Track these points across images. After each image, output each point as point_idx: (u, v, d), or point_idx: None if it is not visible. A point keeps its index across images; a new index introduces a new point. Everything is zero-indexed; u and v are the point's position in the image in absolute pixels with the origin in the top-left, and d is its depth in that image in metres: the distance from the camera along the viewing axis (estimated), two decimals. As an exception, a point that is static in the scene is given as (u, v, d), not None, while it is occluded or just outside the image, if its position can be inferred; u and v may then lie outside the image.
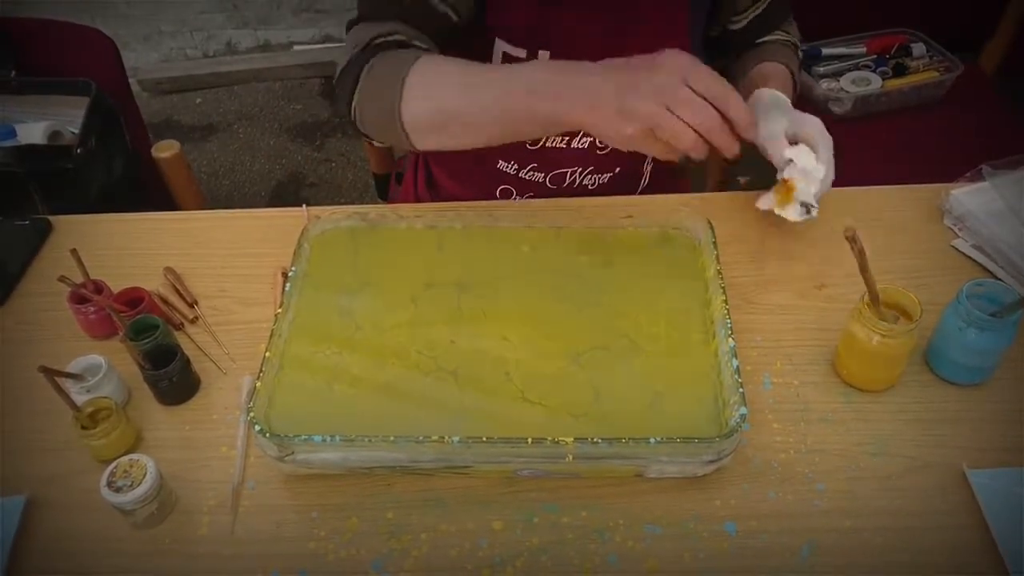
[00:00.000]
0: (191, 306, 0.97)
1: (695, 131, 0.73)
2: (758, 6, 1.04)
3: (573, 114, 0.77)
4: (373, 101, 0.88)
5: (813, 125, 0.93)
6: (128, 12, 2.63)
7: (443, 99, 0.83)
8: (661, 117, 0.73)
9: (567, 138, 1.06)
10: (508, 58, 0.98)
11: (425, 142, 0.87)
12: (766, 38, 1.10)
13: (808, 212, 0.92)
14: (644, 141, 0.75)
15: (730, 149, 0.75)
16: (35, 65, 1.47)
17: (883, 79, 1.63)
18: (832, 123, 1.58)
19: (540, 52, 0.97)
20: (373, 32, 0.90)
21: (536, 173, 1.10)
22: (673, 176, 1.23)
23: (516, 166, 1.11)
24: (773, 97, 0.97)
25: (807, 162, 0.90)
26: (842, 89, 1.61)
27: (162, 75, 2.76)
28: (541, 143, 1.07)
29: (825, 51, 1.69)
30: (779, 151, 0.92)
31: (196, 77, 2.76)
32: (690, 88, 0.73)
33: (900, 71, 1.64)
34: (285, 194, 2.40)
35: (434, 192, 1.23)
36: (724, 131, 0.74)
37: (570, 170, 1.01)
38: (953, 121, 1.63)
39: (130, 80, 1.56)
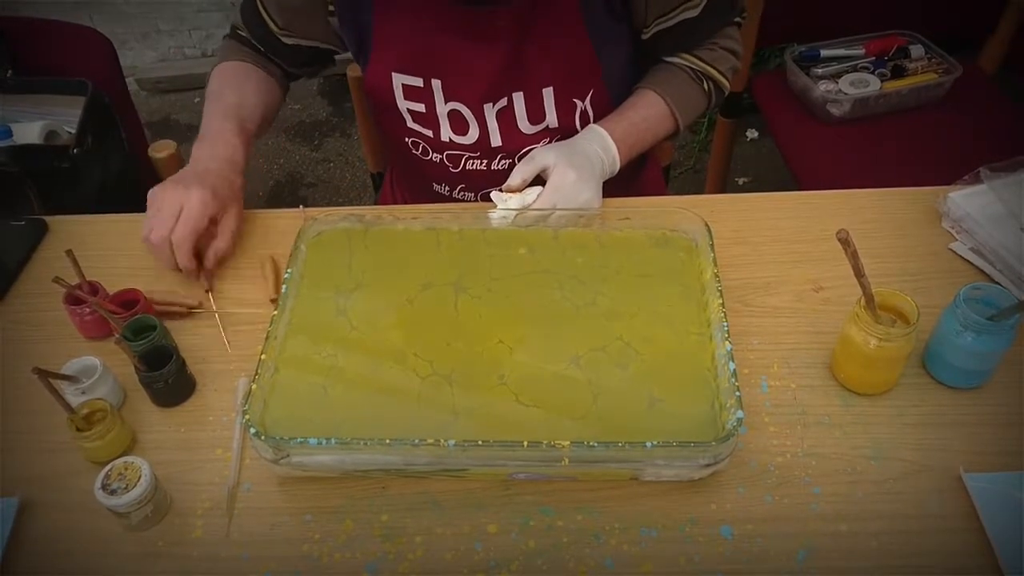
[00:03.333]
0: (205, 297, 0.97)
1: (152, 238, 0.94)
2: (665, 21, 1.01)
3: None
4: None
5: (559, 179, 0.96)
6: (126, 11, 2.63)
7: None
8: (151, 209, 0.96)
9: (486, 161, 1.08)
10: (407, 89, 1.03)
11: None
12: (671, 59, 1.09)
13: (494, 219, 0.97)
14: (148, 218, 0.96)
15: (168, 267, 0.97)
16: (31, 64, 1.47)
17: (882, 81, 1.62)
18: (831, 125, 1.62)
19: (433, 81, 1.01)
20: (235, 20, 1.15)
21: (467, 193, 1.14)
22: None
23: (448, 188, 1.15)
24: (589, 133, 1.03)
25: (513, 200, 0.97)
26: (840, 91, 1.61)
27: (160, 74, 2.76)
28: (462, 166, 1.10)
29: (824, 53, 1.69)
30: (516, 176, 0.98)
31: (194, 76, 2.75)
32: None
33: (899, 73, 1.64)
34: (283, 194, 2.40)
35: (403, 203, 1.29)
36: (161, 249, 0.95)
37: (495, 190, 1.03)
38: (952, 123, 1.62)
39: (128, 79, 1.56)
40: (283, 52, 1.12)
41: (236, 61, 1.12)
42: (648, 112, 1.06)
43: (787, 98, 1.71)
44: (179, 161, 1.29)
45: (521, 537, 0.75)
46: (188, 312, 0.96)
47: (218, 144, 1.01)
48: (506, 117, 1.04)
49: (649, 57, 1.10)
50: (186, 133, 2.61)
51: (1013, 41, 1.69)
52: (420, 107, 1.04)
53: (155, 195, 0.95)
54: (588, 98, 1.04)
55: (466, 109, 1.03)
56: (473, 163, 1.09)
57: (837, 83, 1.63)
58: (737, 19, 1.10)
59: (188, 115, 2.69)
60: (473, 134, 1.06)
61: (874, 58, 1.67)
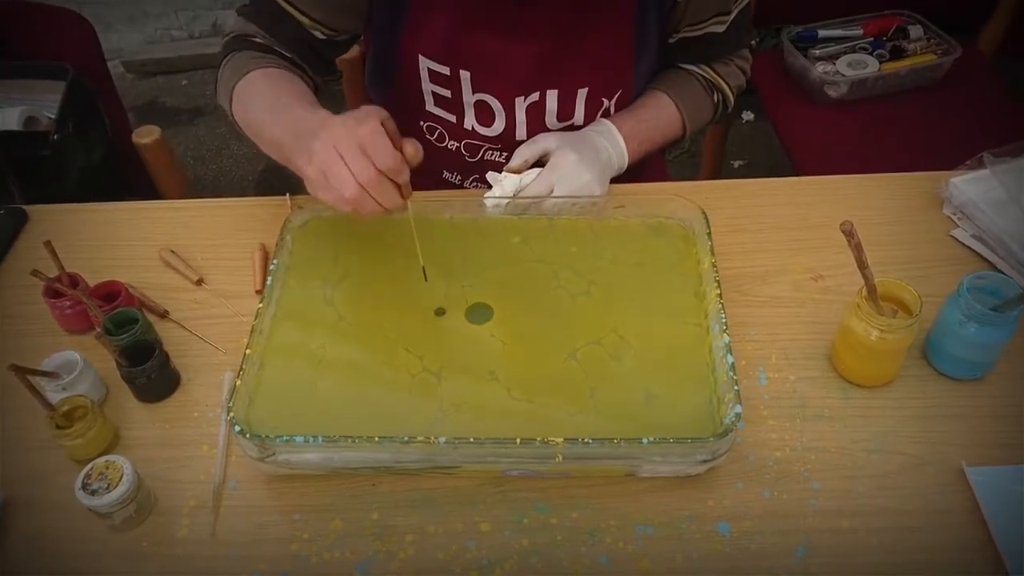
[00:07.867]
0: (197, 283, 0.97)
1: (358, 183, 0.75)
2: (694, 30, 1.02)
3: (297, 164, 0.81)
4: (221, 95, 0.99)
5: (559, 158, 0.96)
6: (111, -8, 2.58)
7: (249, 115, 0.93)
8: (330, 162, 0.75)
9: (506, 153, 1.05)
10: (433, 74, 0.99)
11: (250, 138, 0.94)
12: (687, 66, 1.09)
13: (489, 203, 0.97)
14: (322, 186, 0.77)
15: (389, 203, 0.77)
16: (9, 48, 1.43)
17: (880, 62, 1.60)
18: (828, 107, 1.59)
19: (462, 72, 0.98)
20: (242, 28, 1.00)
21: (479, 184, 1.11)
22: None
23: (459, 177, 1.13)
24: (597, 126, 1.02)
25: (508, 180, 0.97)
26: (838, 72, 1.59)
27: (147, 56, 2.71)
28: (480, 156, 1.07)
29: (822, 33, 1.66)
30: (517, 157, 0.98)
31: (182, 58, 2.70)
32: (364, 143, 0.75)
33: (897, 54, 1.62)
34: (272, 178, 2.37)
35: None
36: (382, 185, 0.76)
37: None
38: (951, 104, 1.60)
39: (114, 62, 1.53)
40: (312, 52, 1.00)
41: (270, 68, 0.95)
42: (658, 113, 1.06)
43: (784, 79, 1.69)
44: (165, 147, 1.26)
45: (515, 535, 0.74)
46: (164, 314, 0.93)
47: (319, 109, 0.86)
48: (535, 112, 1.02)
49: (665, 61, 1.09)
50: (173, 117, 2.57)
51: (1012, 23, 1.67)
52: (446, 93, 1.02)
53: (316, 151, 0.77)
54: (615, 98, 1.03)
55: (495, 101, 1.01)
56: (492, 154, 1.07)
57: (835, 64, 1.61)
58: (751, 42, 1.11)
59: (175, 98, 2.65)
60: (499, 126, 1.04)
61: (872, 39, 1.65)
